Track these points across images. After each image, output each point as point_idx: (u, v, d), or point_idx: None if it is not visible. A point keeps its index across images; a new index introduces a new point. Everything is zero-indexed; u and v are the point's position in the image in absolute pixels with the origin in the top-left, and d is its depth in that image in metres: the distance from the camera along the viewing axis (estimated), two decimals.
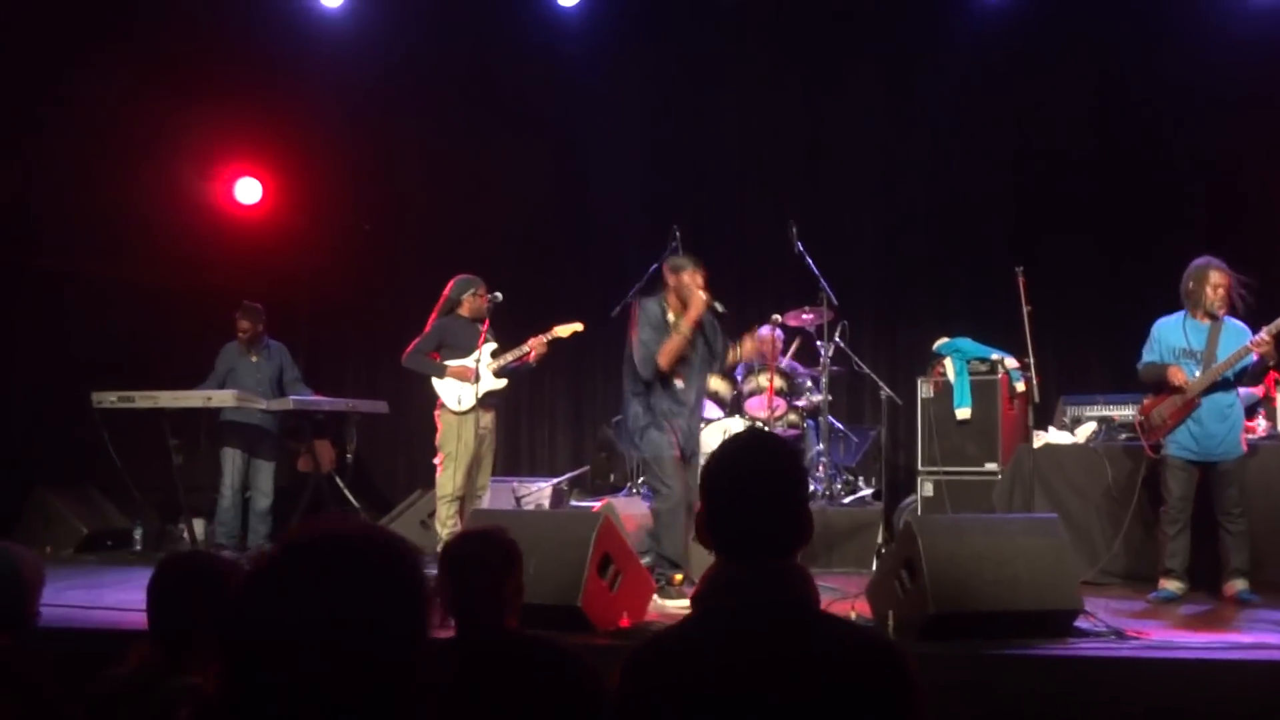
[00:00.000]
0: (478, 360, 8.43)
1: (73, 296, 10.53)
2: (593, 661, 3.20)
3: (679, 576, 7.09)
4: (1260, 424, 8.12)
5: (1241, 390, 7.56)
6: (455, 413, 8.41)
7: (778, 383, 9.54)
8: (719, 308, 7.42)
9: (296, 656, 1.63)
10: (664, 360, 7.28)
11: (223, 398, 9.27)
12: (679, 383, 7.40)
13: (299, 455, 10.45)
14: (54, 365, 10.34)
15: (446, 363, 8.47)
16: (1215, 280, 7.26)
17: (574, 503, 10.05)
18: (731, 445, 2.53)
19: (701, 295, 7.34)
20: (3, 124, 9.91)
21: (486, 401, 8.49)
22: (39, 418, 10.47)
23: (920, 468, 9.20)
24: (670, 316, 7.41)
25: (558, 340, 8.69)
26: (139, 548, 10.08)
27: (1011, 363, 9.08)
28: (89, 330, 10.38)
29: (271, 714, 1.65)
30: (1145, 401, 7.54)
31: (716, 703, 2.17)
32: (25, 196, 10.13)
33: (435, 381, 8.48)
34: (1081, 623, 5.87)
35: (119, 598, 6.83)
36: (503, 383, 8.59)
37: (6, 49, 9.84)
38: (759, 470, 2.43)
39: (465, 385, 8.40)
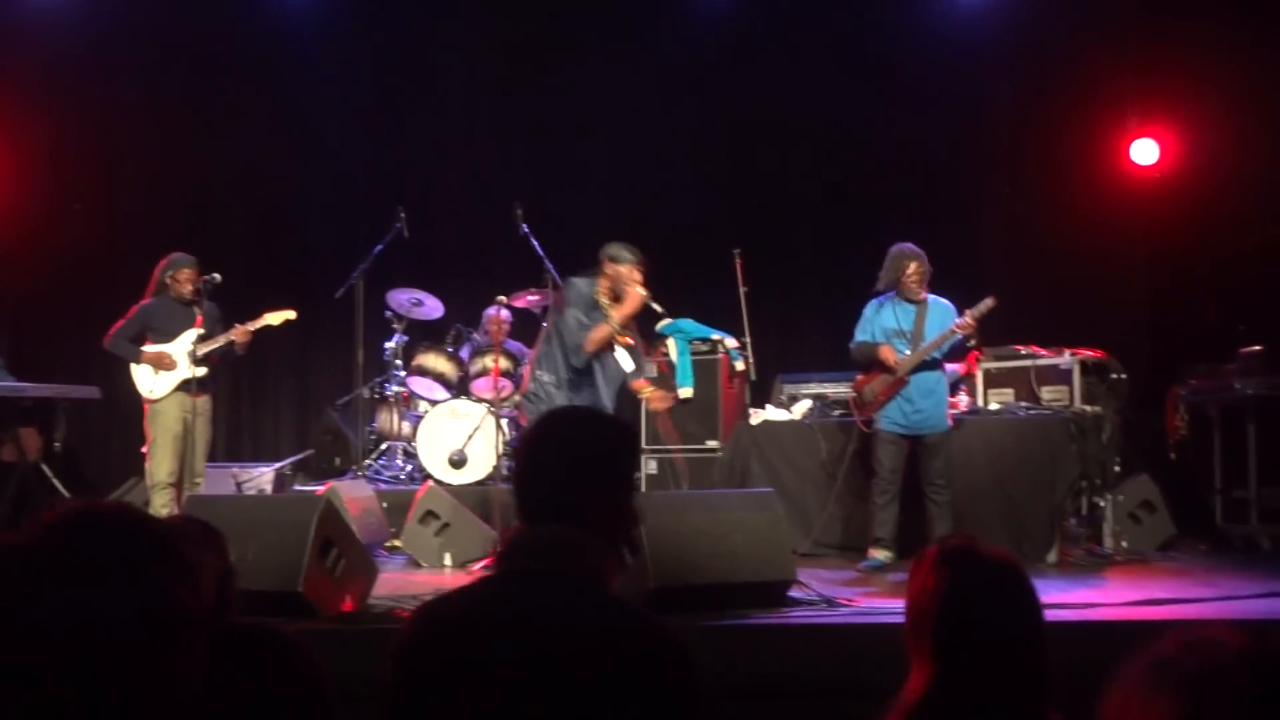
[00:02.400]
0: (193, 344, 8.15)
1: None
2: (305, 642, 3.08)
3: None
4: (963, 400, 8.57)
5: (946, 367, 7.97)
6: (150, 399, 8.14)
7: (504, 364, 9.55)
8: (657, 307, 7.22)
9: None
10: (590, 345, 7.00)
11: None
12: (597, 372, 7.13)
13: (3, 443, 9.94)
14: None
15: (143, 349, 8.18)
16: (911, 268, 7.63)
17: (297, 487, 9.86)
18: (544, 418, 2.58)
19: (640, 292, 7.12)
20: None
21: (190, 386, 8.20)
22: None
23: (644, 446, 9.35)
24: (602, 299, 7.14)
25: (269, 327, 8.49)
26: None
27: (731, 342, 9.32)
28: None
29: None
30: (858, 378, 7.87)
31: (484, 667, 2.18)
32: None
33: (132, 367, 8.18)
34: (795, 592, 6.09)
35: None
36: (202, 370, 8.28)
37: None
38: (566, 439, 2.46)
39: (161, 372, 8.12)
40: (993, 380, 8.60)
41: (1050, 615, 5.67)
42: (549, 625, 2.21)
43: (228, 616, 3.13)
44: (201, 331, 8.25)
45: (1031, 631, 2.44)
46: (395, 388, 10.15)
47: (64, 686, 1.49)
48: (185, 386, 8.14)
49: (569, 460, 2.43)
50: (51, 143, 11.25)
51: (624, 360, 7.26)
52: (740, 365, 9.24)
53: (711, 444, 9.14)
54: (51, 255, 11.23)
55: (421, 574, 7.57)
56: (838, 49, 11.19)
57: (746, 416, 8.80)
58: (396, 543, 8.37)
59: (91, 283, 11.00)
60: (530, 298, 9.81)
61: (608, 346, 7.17)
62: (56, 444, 9.96)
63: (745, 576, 5.89)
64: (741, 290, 8.09)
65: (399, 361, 10.17)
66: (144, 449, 8.23)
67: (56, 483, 9.78)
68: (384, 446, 10.23)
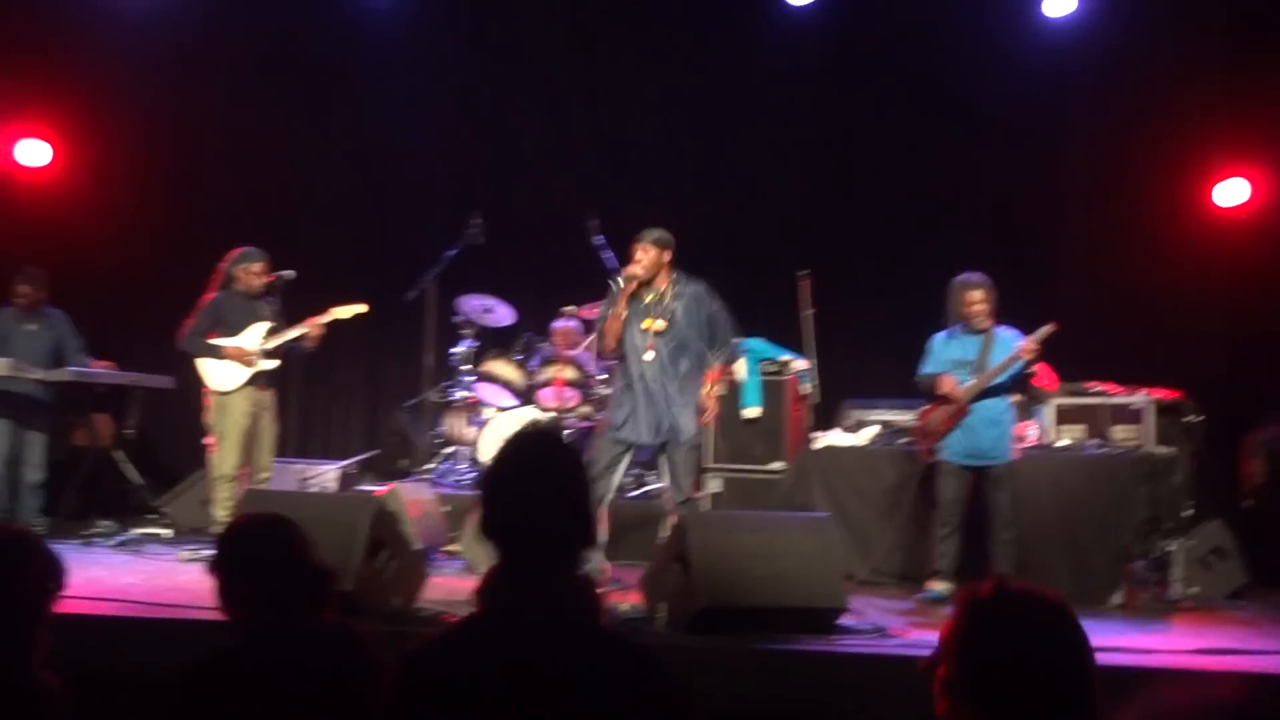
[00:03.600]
0: (262, 338, 8.21)
1: None
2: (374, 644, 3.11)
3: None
4: (1032, 432, 8.40)
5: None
6: (220, 393, 8.20)
7: (572, 374, 9.54)
8: (621, 279, 7.52)
9: None
10: (603, 338, 7.54)
11: None
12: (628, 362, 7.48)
13: (76, 428, 10.09)
14: None
15: (223, 344, 8.22)
16: (971, 298, 7.51)
17: (361, 487, 9.91)
18: (513, 444, 2.50)
19: (627, 270, 7.54)
20: None
21: (259, 380, 8.25)
22: None
23: (710, 464, 9.29)
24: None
25: (339, 322, 8.50)
26: None
27: (800, 364, 9.25)
28: None
29: None
30: (923, 409, 7.76)
31: (482, 715, 2.15)
32: None
33: (199, 361, 8.24)
34: (847, 620, 6.02)
35: None
36: (274, 363, 8.34)
37: None
38: (538, 471, 2.40)
39: (231, 365, 8.18)
40: (1064, 416, 8.44)
41: (1107, 659, 5.58)
42: (549, 674, 2.16)
43: (324, 613, 3.14)
44: (270, 325, 8.29)
45: (1078, 674, 2.31)
46: (462, 393, 10.17)
47: None
48: (254, 380, 8.20)
49: (551, 492, 2.37)
50: (138, 135, 11.45)
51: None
52: (807, 388, 9.17)
53: (776, 465, 9.07)
54: (132, 245, 11.40)
55: (475, 580, 7.55)
56: (918, 73, 11.03)
57: (809, 440, 8.72)
58: (455, 547, 8.37)
59: (169, 272, 11.15)
60: (599, 310, 9.81)
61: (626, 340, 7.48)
62: (129, 431, 10.09)
63: (794, 601, 5.83)
64: (807, 313, 8.00)
65: (467, 367, 10.19)
66: (206, 441, 8.29)
67: (127, 469, 9.92)
68: (449, 450, 10.25)
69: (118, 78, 11.34)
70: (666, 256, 7.51)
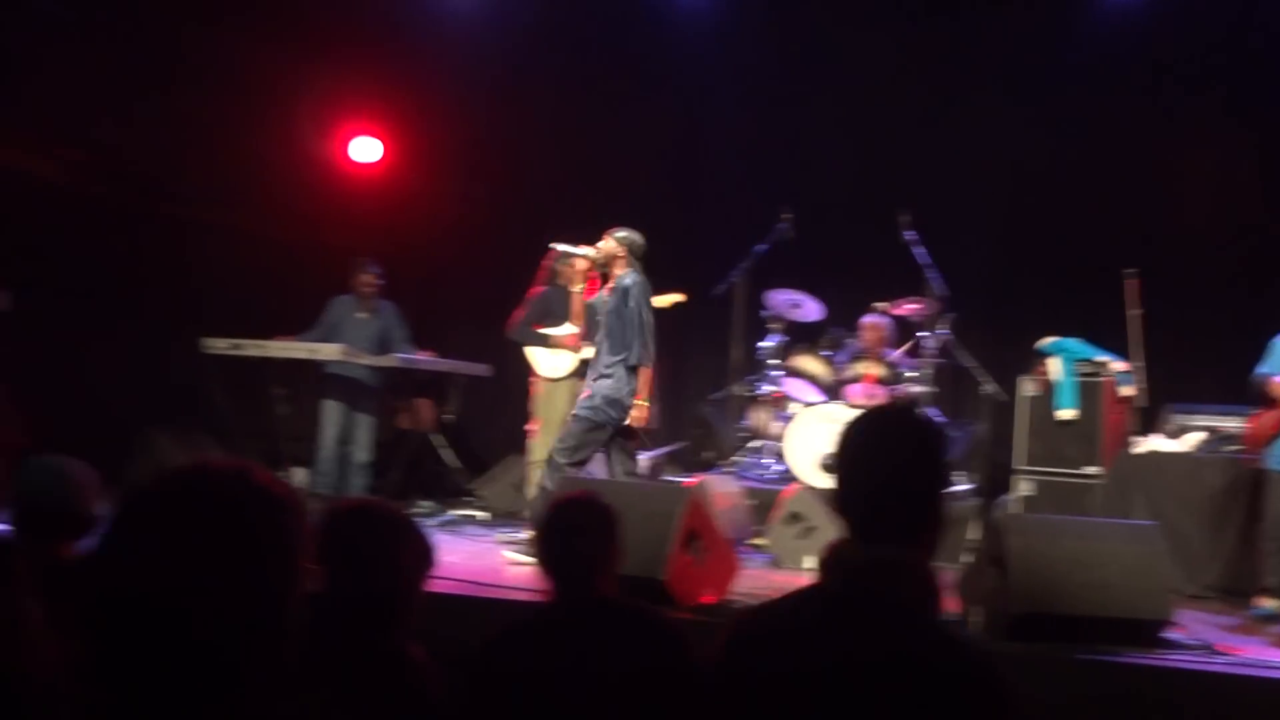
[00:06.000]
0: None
1: (193, 244, 10.68)
2: (686, 632, 3.26)
3: None
4: None
5: None
6: (548, 380, 8.43)
7: (881, 371, 9.45)
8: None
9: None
10: None
11: (330, 351, 9.36)
12: None
13: (400, 412, 10.58)
14: (171, 310, 10.55)
15: (554, 333, 8.47)
16: None
17: (667, 477, 10.06)
18: (869, 419, 2.46)
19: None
20: (134, 77, 10.07)
21: (584, 370, 8.48)
22: (154, 360, 10.68)
23: (1019, 466, 9.06)
24: None
25: (658, 311, 8.64)
26: None
27: (1118, 366, 8.93)
28: (206, 277, 10.55)
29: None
30: (1255, 412, 7.38)
31: (800, 685, 2.15)
32: (153, 146, 10.27)
33: (528, 349, 8.50)
34: (1171, 634, 5.78)
35: None
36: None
37: (138, 4, 10.05)
38: (889, 449, 2.35)
39: (559, 353, 8.40)
40: None
41: None
42: (869, 658, 2.13)
43: (603, 588, 3.40)
44: None
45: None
46: (768, 387, 10.19)
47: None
48: (579, 370, 8.42)
49: (881, 474, 2.32)
50: (462, 132, 11.90)
51: None
52: (1126, 390, 8.83)
53: (1090, 470, 8.78)
54: (454, 238, 11.90)
55: (780, 574, 7.61)
56: (1242, 63, 10.44)
57: (1130, 444, 8.39)
58: (762, 540, 8.42)
59: (488, 265, 11.57)
60: (909, 306, 9.70)
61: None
62: (449, 416, 10.51)
63: (1116, 611, 5.62)
64: (1134, 313, 7.65)
65: (774, 361, 10.20)
66: (529, 426, 8.55)
67: (445, 453, 10.34)
68: (754, 444, 10.29)
69: (444, 77, 11.80)
70: (622, 251, 7.70)
